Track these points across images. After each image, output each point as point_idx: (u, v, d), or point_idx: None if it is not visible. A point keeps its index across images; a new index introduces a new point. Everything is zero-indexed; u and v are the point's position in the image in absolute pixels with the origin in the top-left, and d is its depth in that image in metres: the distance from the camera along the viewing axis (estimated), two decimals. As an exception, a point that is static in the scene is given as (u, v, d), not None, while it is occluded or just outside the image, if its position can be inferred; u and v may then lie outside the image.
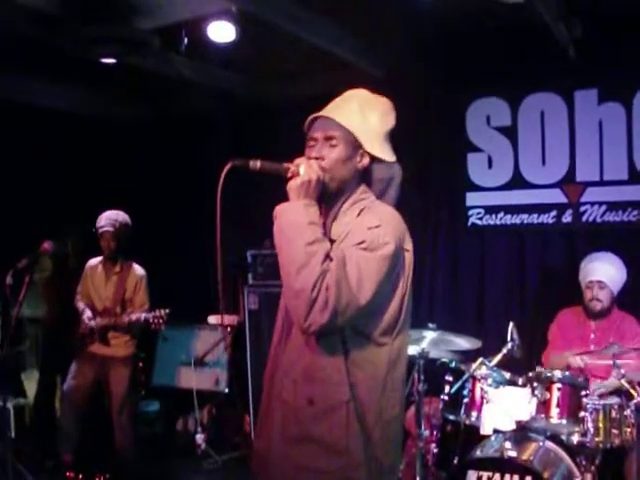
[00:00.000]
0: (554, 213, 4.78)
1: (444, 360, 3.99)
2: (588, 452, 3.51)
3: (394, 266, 1.96)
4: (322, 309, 1.82)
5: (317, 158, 2.01)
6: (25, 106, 5.29)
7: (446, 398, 3.80)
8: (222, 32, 4.18)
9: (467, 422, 3.73)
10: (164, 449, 5.52)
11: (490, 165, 5.02)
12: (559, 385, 3.58)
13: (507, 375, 3.77)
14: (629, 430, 3.45)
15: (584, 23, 4.32)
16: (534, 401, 3.56)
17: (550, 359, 4.14)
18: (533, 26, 4.14)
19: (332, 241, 2.00)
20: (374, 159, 2.07)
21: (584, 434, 3.48)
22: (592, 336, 4.10)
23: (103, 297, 4.75)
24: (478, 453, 3.51)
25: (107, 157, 6.04)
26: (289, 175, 2.00)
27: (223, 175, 1.96)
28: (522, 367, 3.84)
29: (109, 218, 4.70)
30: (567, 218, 4.74)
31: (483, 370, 3.75)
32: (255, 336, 5.33)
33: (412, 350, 3.82)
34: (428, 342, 3.88)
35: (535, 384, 3.59)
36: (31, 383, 5.55)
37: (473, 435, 3.69)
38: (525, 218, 4.88)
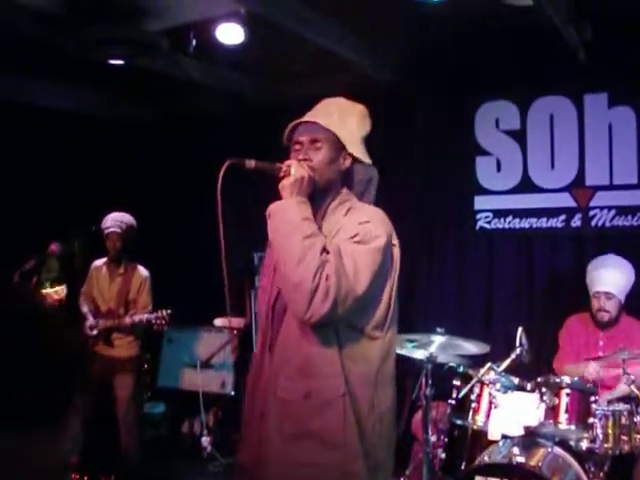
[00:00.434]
0: (563, 217, 4.76)
1: (452, 364, 3.97)
2: (597, 458, 3.48)
3: (385, 259, 2.06)
4: (323, 299, 1.89)
5: (305, 159, 2.11)
6: (25, 106, 5.29)
7: (454, 403, 3.76)
8: (230, 34, 4.18)
9: (475, 427, 3.70)
10: (169, 451, 5.51)
11: (499, 168, 5.00)
12: (568, 391, 3.54)
13: (515, 380, 3.74)
14: (639, 437, 3.43)
15: (594, 26, 4.29)
16: (542, 406, 3.53)
17: (564, 368, 4.08)
18: (543, 29, 4.11)
19: None
20: (354, 161, 2.18)
21: (593, 440, 3.45)
22: (600, 344, 4.06)
23: (107, 298, 4.75)
24: (486, 459, 3.48)
25: (112, 158, 6.04)
26: (281, 174, 2.10)
27: (221, 174, 2.04)
28: (531, 372, 3.81)
29: (115, 219, 4.71)
30: (576, 222, 4.72)
31: (491, 375, 3.73)
32: (261, 339, 5.30)
33: (420, 354, 3.80)
34: (436, 346, 3.86)
35: (544, 389, 3.56)
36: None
37: (481, 440, 3.66)
38: (534, 222, 4.85)
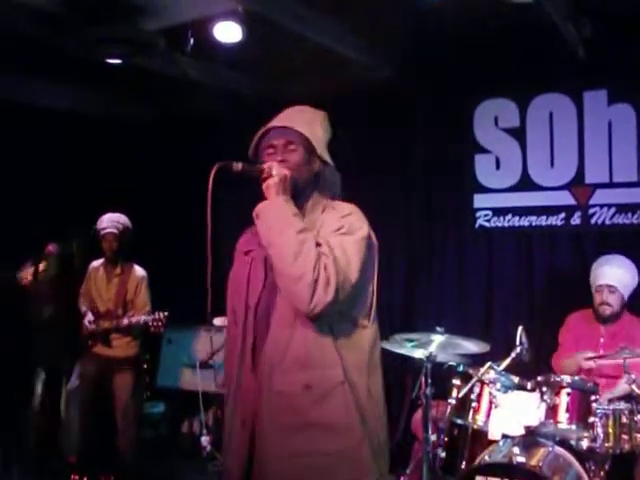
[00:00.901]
0: (563, 215, 4.74)
1: (452, 364, 3.95)
2: (598, 458, 3.47)
3: (369, 248, 2.13)
4: (325, 288, 1.95)
5: (282, 161, 2.16)
6: (25, 106, 5.28)
7: (454, 402, 3.75)
8: (228, 32, 4.16)
9: (475, 426, 3.70)
10: (169, 451, 5.52)
11: (498, 166, 4.99)
12: (568, 390, 3.53)
13: (516, 379, 3.74)
14: (639, 435, 3.41)
15: (593, 23, 4.29)
16: (543, 406, 3.52)
17: (561, 363, 4.09)
18: (542, 26, 4.10)
19: None
20: (322, 164, 2.24)
21: (594, 439, 3.44)
22: (602, 340, 4.05)
23: (105, 299, 4.76)
24: (486, 458, 3.47)
25: (111, 157, 6.03)
26: (264, 175, 2.13)
27: (211, 177, 2.08)
28: (531, 371, 3.80)
29: (112, 220, 4.73)
30: (576, 220, 4.70)
31: (491, 374, 3.72)
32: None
33: (420, 353, 3.79)
34: (436, 346, 3.84)
35: (544, 389, 3.55)
36: (36, 384, 5.53)
37: (481, 440, 3.66)
38: (533, 220, 4.84)
